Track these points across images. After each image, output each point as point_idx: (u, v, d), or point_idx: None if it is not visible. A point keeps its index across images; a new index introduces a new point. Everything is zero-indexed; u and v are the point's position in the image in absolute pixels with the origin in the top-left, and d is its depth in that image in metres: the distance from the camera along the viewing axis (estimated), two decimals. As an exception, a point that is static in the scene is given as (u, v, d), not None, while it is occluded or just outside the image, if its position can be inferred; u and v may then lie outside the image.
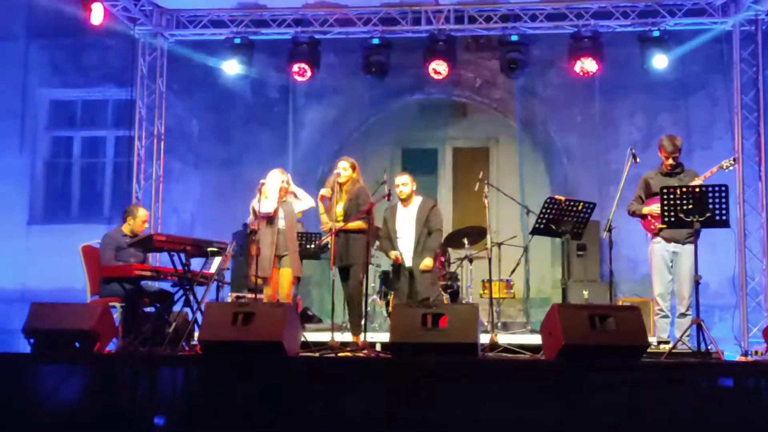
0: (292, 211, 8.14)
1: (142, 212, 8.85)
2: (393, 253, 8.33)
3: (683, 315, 7.83)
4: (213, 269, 8.13)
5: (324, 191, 8.04)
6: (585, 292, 10.00)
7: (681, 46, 10.89)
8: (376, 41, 11.10)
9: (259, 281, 7.81)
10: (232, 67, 11.39)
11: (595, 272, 10.88)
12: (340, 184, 8.04)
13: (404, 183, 8.42)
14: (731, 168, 7.88)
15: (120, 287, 8.08)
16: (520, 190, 12.32)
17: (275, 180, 8.02)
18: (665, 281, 7.94)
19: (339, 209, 8.01)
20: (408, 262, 8.31)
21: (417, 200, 8.47)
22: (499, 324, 9.80)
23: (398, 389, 5.90)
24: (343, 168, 8.06)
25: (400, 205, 8.48)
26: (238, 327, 6.19)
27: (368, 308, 9.24)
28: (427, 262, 8.19)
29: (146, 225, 8.91)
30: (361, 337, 7.77)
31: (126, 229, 8.66)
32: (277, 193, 7.96)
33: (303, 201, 8.20)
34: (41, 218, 12.87)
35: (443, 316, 6.32)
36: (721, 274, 10.37)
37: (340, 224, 7.85)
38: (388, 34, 11.19)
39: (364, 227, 7.85)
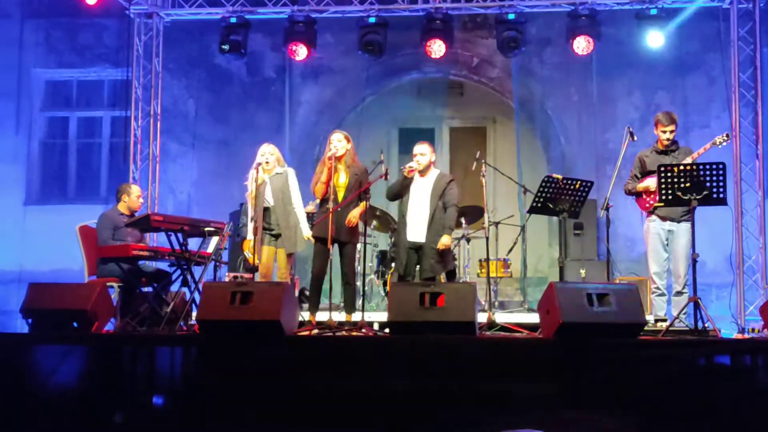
0: (282, 185, 7.94)
1: (135, 188, 8.85)
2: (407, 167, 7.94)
3: (679, 293, 7.85)
4: (210, 249, 8.13)
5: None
6: (582, 271, 10.00)
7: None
8: (372, 20, 11.04)
9: (256, 261, 7.80)
10: None
11: (593, 251, 10.90)
12: (338, 158, 7.77)
13: (422, 153, 8.04)
14: (724, 144, 7.88)
15: (117, 267, 8.07)
16: (517, 169, 12.30)
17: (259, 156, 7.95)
18: (661, 260, 7.95)
19: (342, 180, 7.77)
20: (418, 238, 7.94)
21: (434, 172, 8.14)
22: (497, 303, 9.82)
23: (396, 367, 5.93)
24: (338, 140, 7.81)
25: (416, 174, 8.10)
26: (236, 306, 6.21)
27: (366, 287, 9.26)
28: (446, 240, 7.86)
29: (141, 200, 8.90)
30: (354, 315, 7.76)
31: (122, 207, 8.65)
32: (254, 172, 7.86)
33: (296, 203, 7.99)
34: (38, 199, 12.85)
35: (441, 295, 6.33)
36: (718, 252, 10.39)
37: (341, 196, 7.70)
38: (385, 12, 11.12)
39: (362, 209, 7.77)
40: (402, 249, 8.01)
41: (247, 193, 7.94)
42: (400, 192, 8.07)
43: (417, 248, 7.96)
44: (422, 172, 8.07)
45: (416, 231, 7.97)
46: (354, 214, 7.69)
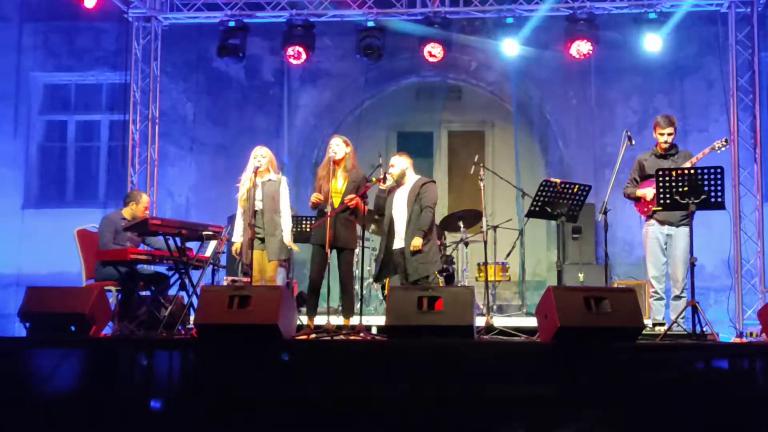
0: (273, 192, 7.87)
1: (145, 198, 8.80)
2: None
3: (678, 297, 7.85)
4: (208, 253, 8.12)
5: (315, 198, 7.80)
6: (580, 275, 10.01)
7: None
8: (371, 24, 11.05)
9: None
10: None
11: (591, 255, 10.91)
12: (336, 162, 7.75)
13: (392, 164, 8.09)
14: (723, 149, 7.86)
15: (115, 271, 8.07)
16: (515, 173, 12.31)
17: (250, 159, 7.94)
18: (659, 264, 7.95)
19: (339, 186, 7.74)
20: (399, 243, 7.96)
21: (413, 179, 8.12)
22: (495, 307, 9.81)
23: (394, 372, 5.92)
24: (336, 144, 7.77)
25: (395, 185, 8.10)
26: (234, 310, 6.20)
27: (364, 291, 9.25)
28: (416, 242, 7.77)
29: (147, 212, 8.84)
30: (352, 320, 7.74)
31: (126, 213, 8.63)
32: (251, 173, 7.84)
33: (284, 212, 7.93)
34: (36, 202, 12.85)
35: (439, 299, 6.32)
36: (717, 256, 10.40)
37: (338, 201, 7.66)
38: (383, 16, 11.13)
39: (359, 205, 7.72)
40: (387, 257, 8.02)
41: (238, 195, 7.92)
42: (379, 204, 8.13)
43: (401, 253, 7.95)
44: (399, 182, 8.10)
45: (400, 238, 7.99)
46: (351, 196, 7.67)
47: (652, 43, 10.60)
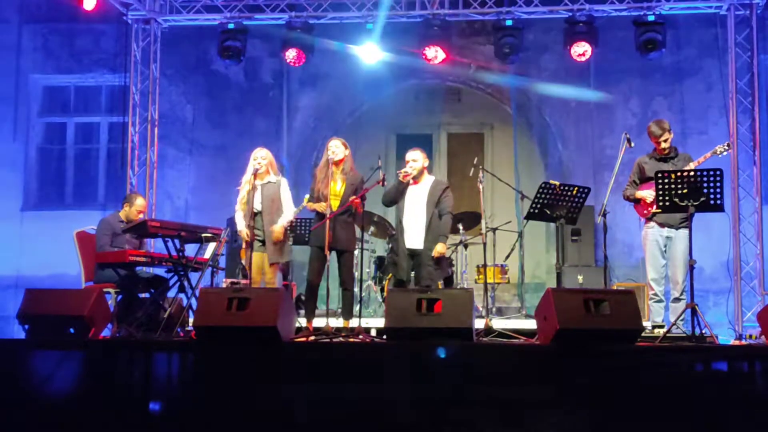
0: (273, 194, 7.91)
1: (140, 201, 8.76)
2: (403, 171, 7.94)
3: (677, 299, 7.84)
4: (207, 255, 8.12)
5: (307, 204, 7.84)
6: (579, 277, 10.00)
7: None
8: (370, 26, 11.04)
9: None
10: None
11: (590, 257, 10.90)
12: (335, 164, 7.76)
13: (414, 159, 7.98)
14: (725, 153, 7.86)
15: (114, 273, 8.06)
16: (514, 175, 12.32)
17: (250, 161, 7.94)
18: (659, 266, 7.94)
19: (338, 188, 7.75)
20: (414, 244, 7.89)
21: (429, 179, 8.07)
22: (494, 309, 9.81)
23: (393, 374, 5.92)
24: (335, 146, 7.79)
25: (410, 180, 8.02)
26: (233, 312, 6.20)
27: (363, 293, 9.25)
28: (440, 248, 7.81)
29: (141, 215, 8.79)
30: (352, 322, 7.74)
31: (123, 215, 8.63)
32: (250, 175, 7.85)
33: (286, 209, 7.96)
34: (35, 204, 12.84)
35: (438, 301, 6.32)
36: (716, 258, 10.40)
37: (336, 203, 7.65)
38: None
39: (357, 206, 7.70)
40: (402, 256, 7.96)
41: (239, 197, 7.93)
42: (395, 198, 8.04)
43: (413, 255, 7.91)
44: (416, 179, 8.02)
45: (413, 238, 7.92)
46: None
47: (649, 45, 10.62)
